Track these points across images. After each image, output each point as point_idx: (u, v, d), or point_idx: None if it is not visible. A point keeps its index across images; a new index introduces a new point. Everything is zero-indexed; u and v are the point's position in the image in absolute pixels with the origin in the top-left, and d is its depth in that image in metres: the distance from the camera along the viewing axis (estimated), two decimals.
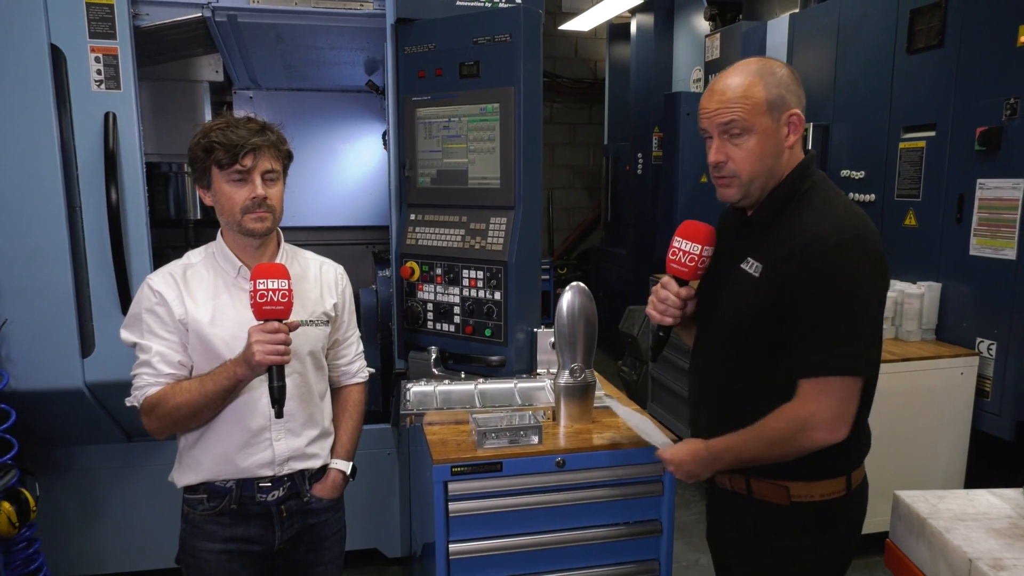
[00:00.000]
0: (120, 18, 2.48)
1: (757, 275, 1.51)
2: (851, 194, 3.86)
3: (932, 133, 3.37)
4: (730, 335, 1.58)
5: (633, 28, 6.21)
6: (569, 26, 6.95)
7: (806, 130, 4.01)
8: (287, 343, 1.65)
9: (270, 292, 1.62)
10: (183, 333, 1.76)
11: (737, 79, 1.49)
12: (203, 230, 3.51)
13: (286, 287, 1.64)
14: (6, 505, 2.34)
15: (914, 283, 3.42)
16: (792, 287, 1.44)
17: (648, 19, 5.95)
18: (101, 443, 2.91)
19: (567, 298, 2.16)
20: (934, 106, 3.35)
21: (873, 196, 3.73)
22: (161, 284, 1.78)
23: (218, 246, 1.84)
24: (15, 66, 2.40)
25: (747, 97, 1.47)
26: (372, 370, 2.13)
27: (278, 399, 1.66)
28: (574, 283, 2.19)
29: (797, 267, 1.43)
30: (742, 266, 1.55)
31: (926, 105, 3.40)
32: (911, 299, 3.35)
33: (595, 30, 7.48)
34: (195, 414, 1.74)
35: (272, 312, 1.64)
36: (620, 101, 6.79)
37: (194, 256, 1.86)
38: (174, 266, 1.83)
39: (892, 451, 3.15)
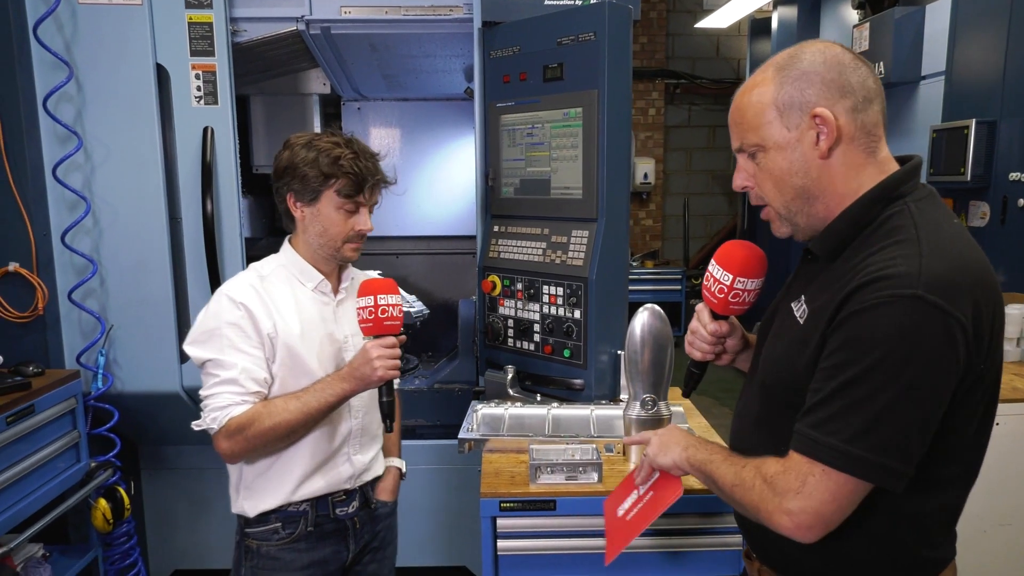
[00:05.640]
0: (219, 35, 2.56)
1: (802, 321, 1.18)
2: (1020, 200, 3.29)
3: None
4: (763, 389, 1.28)
5: (775, 22, 5.75)
6: (706, 23, 6.59)
7: (966, 129, 3.48)
8: (400, 357, 1.66)
9: (390, 307, 1.61)
10: (268, 348, 1.67)
11: (748, 83, 1.20)
12: None
13: (399, 302, 1.64)
14: (102, 503, 2.48)
15: None
16: (824, 344, 1.10)
17: (791, 11, 5.48)
18: (202, 443, 3.03)
19: (639, 321, 1.94)
20: None
21: None
22: (244, 295, 1.65)
23: (291, 258, 1.75)
24: (125, 86, 2.54)
25: (751, 107, 1.18)
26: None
27: (388, 413, 1.66)
28: (648, 305, 1.97)
29: (837, 322, 1.08)
30: (792, 305, 1.23)
31: None
32: None
33: (737, 27, 7.04)
34: (290, 433, 1.65)
35: (391, 327, 1.64)
36: None
37: (264, 268, 1.75)
38: (250, 276, 1.72)
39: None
